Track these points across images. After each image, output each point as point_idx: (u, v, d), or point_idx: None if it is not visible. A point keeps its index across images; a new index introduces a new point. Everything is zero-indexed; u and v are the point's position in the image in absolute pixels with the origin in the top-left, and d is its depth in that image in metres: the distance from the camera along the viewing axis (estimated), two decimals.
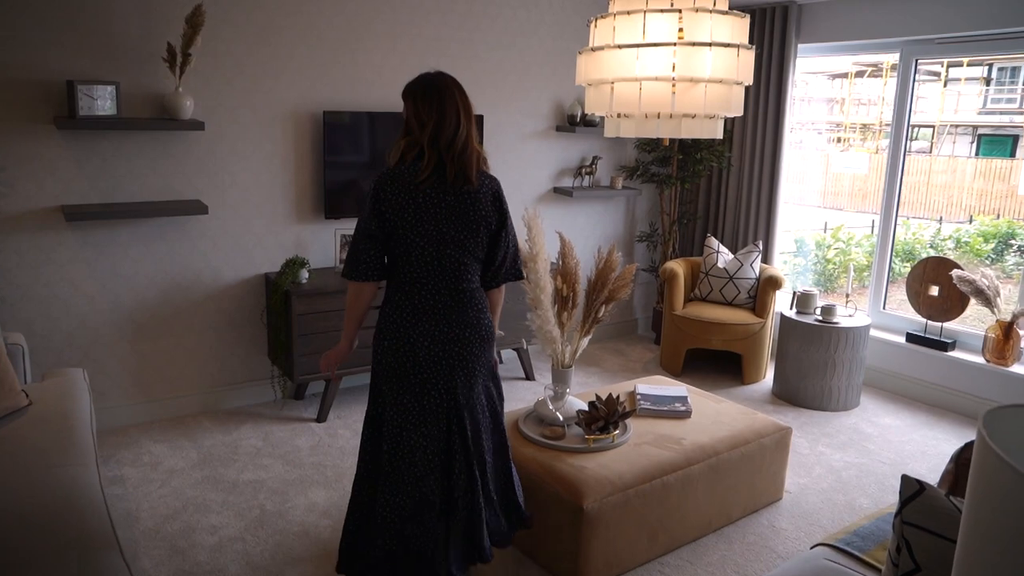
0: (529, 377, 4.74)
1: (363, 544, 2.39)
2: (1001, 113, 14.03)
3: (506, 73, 4.77)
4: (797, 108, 5.21)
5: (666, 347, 4.95)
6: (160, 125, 3.63)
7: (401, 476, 2.32)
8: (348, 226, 4.34)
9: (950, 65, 12.93)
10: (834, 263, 9.11)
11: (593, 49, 2.73)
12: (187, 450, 3.68)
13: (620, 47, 2.62)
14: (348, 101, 4.27)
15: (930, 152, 14.41)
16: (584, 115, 4.96)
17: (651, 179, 5.33)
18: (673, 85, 2.60)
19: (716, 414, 3.30)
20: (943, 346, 4.46)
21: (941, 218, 11.13)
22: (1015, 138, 13.64)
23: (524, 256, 2.85)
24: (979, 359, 4.34)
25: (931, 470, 3.68)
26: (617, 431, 2.96)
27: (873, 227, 10.57)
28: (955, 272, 4.33)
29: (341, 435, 3.90)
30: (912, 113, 4.65)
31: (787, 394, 4.54)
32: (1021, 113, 12.77)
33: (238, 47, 3.88)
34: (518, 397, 4.45)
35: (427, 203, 2.30)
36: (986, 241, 10.14)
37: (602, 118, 5.13)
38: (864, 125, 12.17)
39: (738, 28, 2.63)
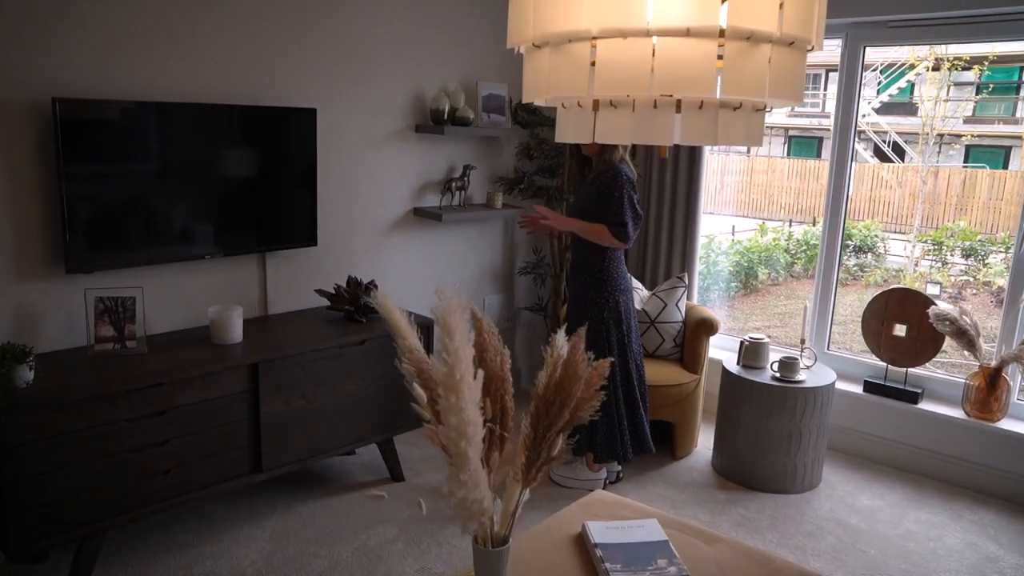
0: (397, 478, 3.36)
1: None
2: (808, 116, 14.51)
3: (347, 54, 3.36)
4: None
5: None
6: None
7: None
8: (107, 282, 2.75)
9: None
10: (703, 274, 8.45)
11: None
12: None
13: None
14: (117, 85, 2.68)
15: (748, 153, 14.45)
16: (453, 111, 3.65)
17: (536, 193, 4.13)
18: (721, 45, 1.38)
19: (719, 570, 2.14)
20: (912, 397, 3.63)
21: (791, 221, 10.97)
22: (820, 140, 14.14)
23: (440, 379, 1.50)
24: (957, 412, 3.54)
25: None
26: None
27: (733, 231, 10.16)
28: (933, 309, 3.49)
29: None
30: (859, 113, 3.79)
31: (736, 472, 3.51)
32: (826, 116, 13.07)
33: None
34: (384, 517, 3.06)
35: None
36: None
37: (518, 111, 3.84)
38: None
39: None
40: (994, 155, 12.87)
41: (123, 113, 2.68)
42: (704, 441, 3.86)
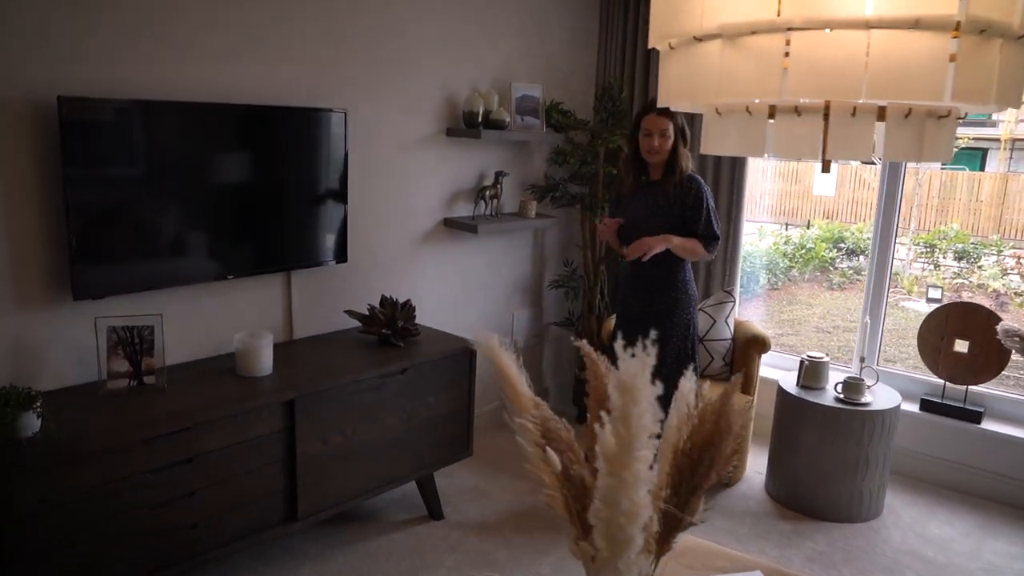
0: (435, 516, 3.07)
1: None
2: None
3: (374, 51, 3.06)
4: None
5: None
6: None
7: None
8: (118, 309, 2.43)
9: None
10: None
11: None
12: None
13: None
14: (129, 83, 2.35)
15: None
16: (487, 113, 3.37)
17: (570, 202, 3.86)
18: (956, 35, 1.13)
19: None
20: (974, 416, 3.43)
21: (787, 224, 10.85)
22: None
23: (607, 453, 1.21)
24: (1021, 432, 3.35)
25: None
26: None
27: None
28: (1002, 325, 3.29)
29: None
30: None
31: (795, 499, 3.28)
32: None
33: None
34: (429, 562, 2.77)
35: None
36: (828, 248, 9.89)
37: (552, 113, 3.56)
38: None
39: None
40: (971, 157, 12.91)
41: (135, 114, 2.35)
42: (753, 465, 3.63)
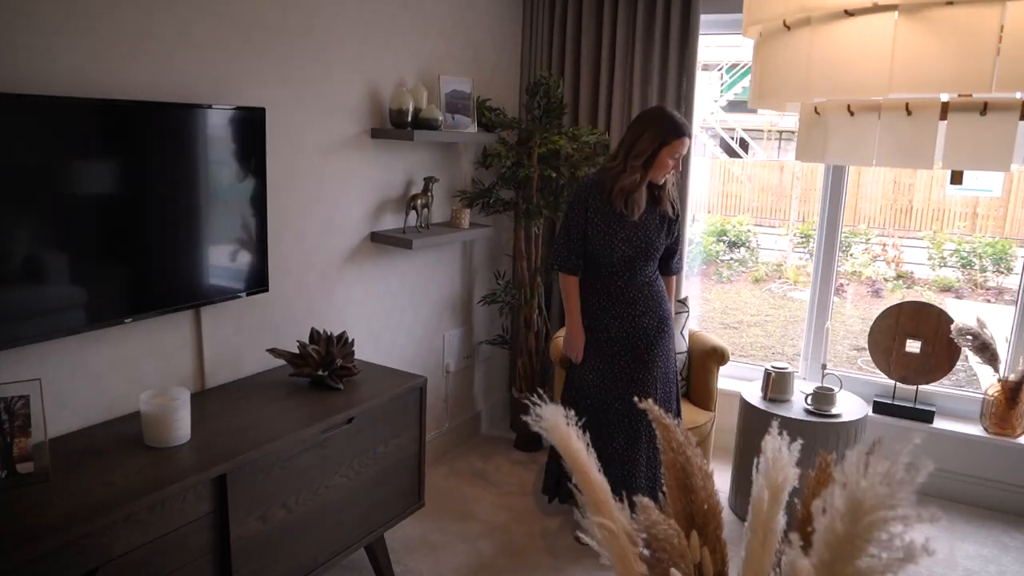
0: None
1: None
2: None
3: (292, 42, 2.55)
4: None
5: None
6: None
7: None
8: (24, 365, 1.83)
9: None
10: None
11: None
12: None
13: None
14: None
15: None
16: (416, 112, 2.94)
17: (503, 209, 3.50)
18: None
19: None
20: (926, 416, 3.38)
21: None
22: None
23: None
24: (975, 429, 3.33)
25: None
26: None
27: None
28: (956, 325, 3.24)
29: None
30: None
31: None
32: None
33: None
34: None
35: None
36: (713, 241, 10.09)
37: (483, 111, 3.16)
38: None
39: None
40: None
41: None
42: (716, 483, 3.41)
